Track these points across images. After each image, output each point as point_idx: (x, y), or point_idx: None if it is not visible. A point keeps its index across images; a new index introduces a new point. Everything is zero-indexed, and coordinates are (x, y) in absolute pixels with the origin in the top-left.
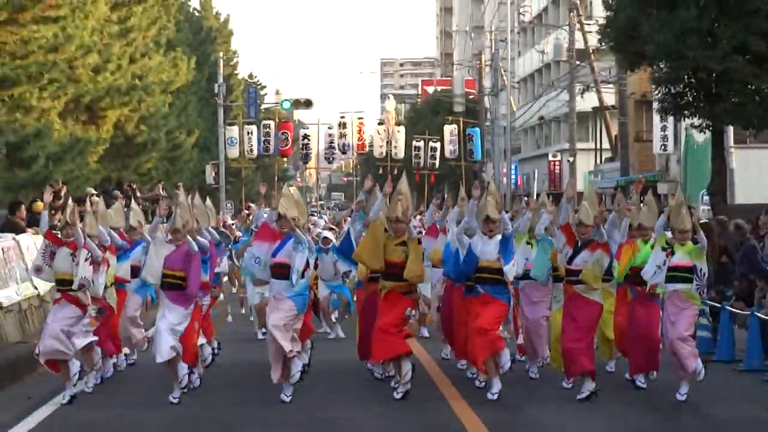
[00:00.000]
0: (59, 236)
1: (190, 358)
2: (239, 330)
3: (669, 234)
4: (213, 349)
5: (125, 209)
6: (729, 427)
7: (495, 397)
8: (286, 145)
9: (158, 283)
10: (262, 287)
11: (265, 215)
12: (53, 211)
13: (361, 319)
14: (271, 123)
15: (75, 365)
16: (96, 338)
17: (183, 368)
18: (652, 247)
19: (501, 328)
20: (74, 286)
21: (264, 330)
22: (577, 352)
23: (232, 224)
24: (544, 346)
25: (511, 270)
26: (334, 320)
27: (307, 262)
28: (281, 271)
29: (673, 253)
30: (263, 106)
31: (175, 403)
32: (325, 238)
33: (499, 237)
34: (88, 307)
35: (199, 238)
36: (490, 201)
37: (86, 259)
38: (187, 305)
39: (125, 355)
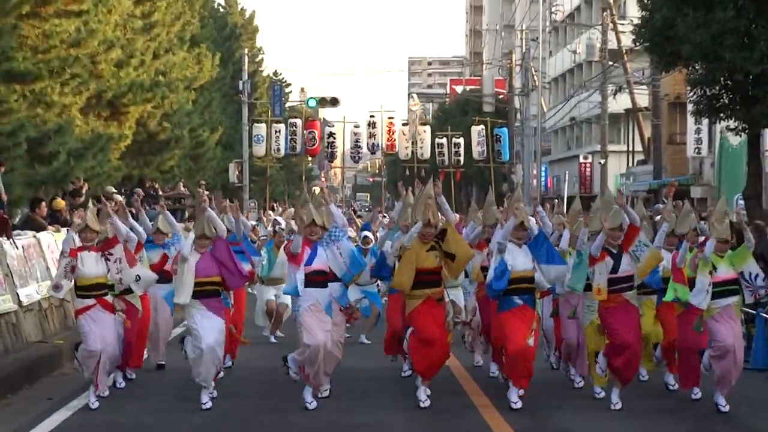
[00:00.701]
0: (80, 242)
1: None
2: (251, 334)
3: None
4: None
5: (150, 209)
6: (739, 425)
7: (518, 405)
8: (313, 145)
9: (187, 301)
10: (275, 287)
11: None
12: (74, 209)
13: (393, 322)
14: (298, 121)
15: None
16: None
17: (206, 395)
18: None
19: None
20: (109, 278)
21: (276, 335)
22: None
23: (256, 224)
24: (582, 359)
25: (547, 274)
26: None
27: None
28: (317, 278)
29: (715, 269)
30: (288, 104)
31: (208, 408)
32: (366, 237)
33: (527, 245)
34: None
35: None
36: (522, 207)
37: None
38: (222, 312)
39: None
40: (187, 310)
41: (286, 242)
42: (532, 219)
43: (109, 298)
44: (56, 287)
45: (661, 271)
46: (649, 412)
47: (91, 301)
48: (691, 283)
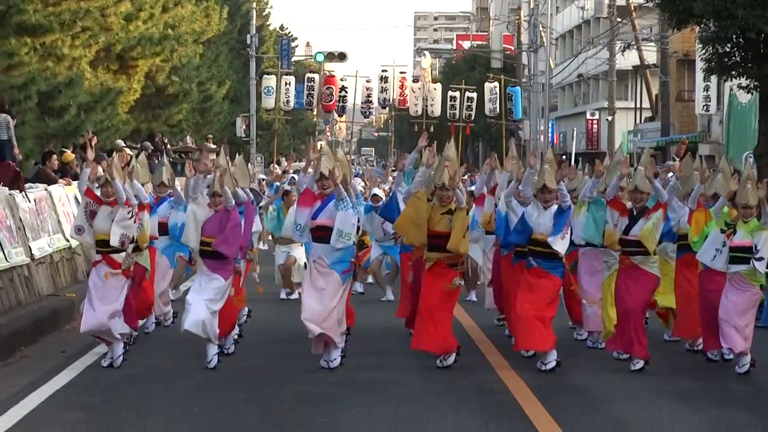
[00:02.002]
0: (99, 194)
1: (229, 326)
2: (268, 290)
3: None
4: (242, 315)
5: (155, 162)
6: None
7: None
8: (330, 101)
9: (197, 248)
10: (287, 246)
11: (306, 181)
12: (84, 162)
13: (408, 285)
14: (316, 76)
15: (119, 347)
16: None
17: (213, 349)
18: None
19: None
20: (112, 243)
21: (288, 291)
22: (630, 331)
23: (263, 179)
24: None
25: (559, 243)
26: (386, 282)
27: (354, 224)
28: (322, 234)
29: (735, 233)
30: (294, 59)
31: (210, 368)
32: (375, 195)
33: (554, 208)
34: (127, 269)
35: (238, 190)
36: (548, 169)
37: (130, 215)
38: (226, 275)
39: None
40: (197, 267)
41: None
42: (563, 186)
43: (118, 257)
44: (78, 229)
45: (675, 227)
46: (665, 370)
47: (98, 257)
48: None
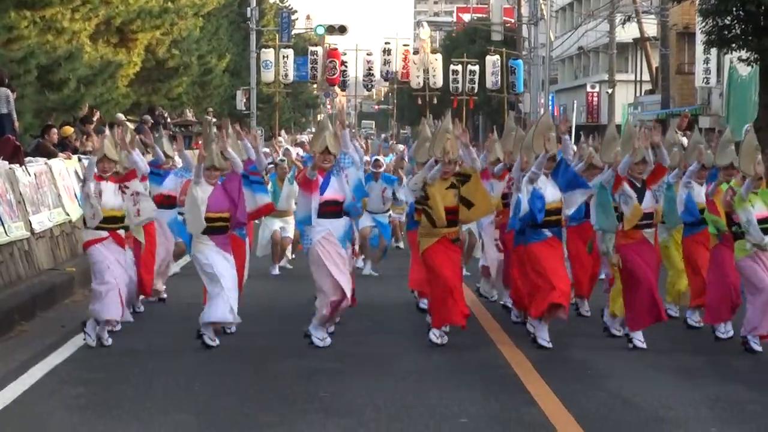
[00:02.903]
0: (97, 172)
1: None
2: (253, 266)
3: None
4: None
5: (156, 135)
6: None
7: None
8: (334, 74)
9: (203, 229)
10: (280, 219)
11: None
12: (84, 136)
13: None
14: (319, 50)
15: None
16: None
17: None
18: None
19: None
20: (135, 222)
21: (280, 265)
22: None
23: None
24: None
25: (580, 198)
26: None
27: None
28: (331, 209)
29: (753, 206)
30: (294, 32)
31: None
32: (377, 160)
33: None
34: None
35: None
36: (553, 138)
37: (147, 190)
38: (230, 249)
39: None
40: (197, 247)
41: (301, 170)
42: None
43: (122, 233)
44: (95, 216)
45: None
46: (665, 346)
47: (104, 234)
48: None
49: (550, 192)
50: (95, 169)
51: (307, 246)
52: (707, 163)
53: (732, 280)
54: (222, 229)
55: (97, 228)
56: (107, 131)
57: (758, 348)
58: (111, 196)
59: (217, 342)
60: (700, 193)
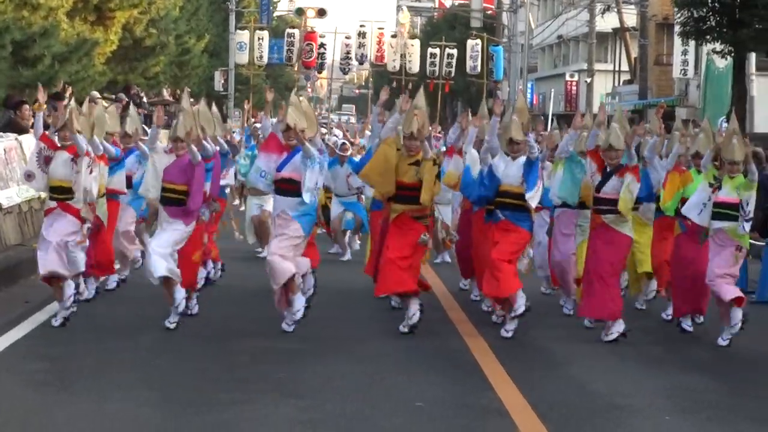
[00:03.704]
0: (56, 140)
1: (189, 282)
2: (239, 248)
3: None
4: (217, 270)
5: (122, 114)
6: (740, 359)
7: (509, 334)
8: (310, 57)
9: (157, 197)
10: (259, 198)
11: (272, 125)
12: (56, 112)
13: (376, 240)
14: (296, 32)
15: (70, 287)
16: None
17: (180, 293)
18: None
19: (520, 260)
20: (77, 197)
21: (259, 250)
22: (601, 292)
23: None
24: (572, 282)
25: (534, 197)
26: (347, 241)
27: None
28: (287, 187)
29: (720, 188)
30: (276, 14)
31: (171, 329)
32: (343, 143)
33: (523, 159)
34: (86, 221)
35: (205, 143)
36: (515, 120)
37: (88, 167)
38: (187, 221)
39: (117, 272)
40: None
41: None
42: (531, 137)
43: (76, 203)
44: (28, 176)
45: (656, 186)
46: (632, 333)
47: (53, 204)
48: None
49: (513, 174)
50: (42, 130)
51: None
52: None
53: (693, 272)
54: (174, 201)
55: (50, 197)
56: (73, 103)
57: (689, 329)
58: (61, 166)
59: (174, 324)
60: (662, 176)
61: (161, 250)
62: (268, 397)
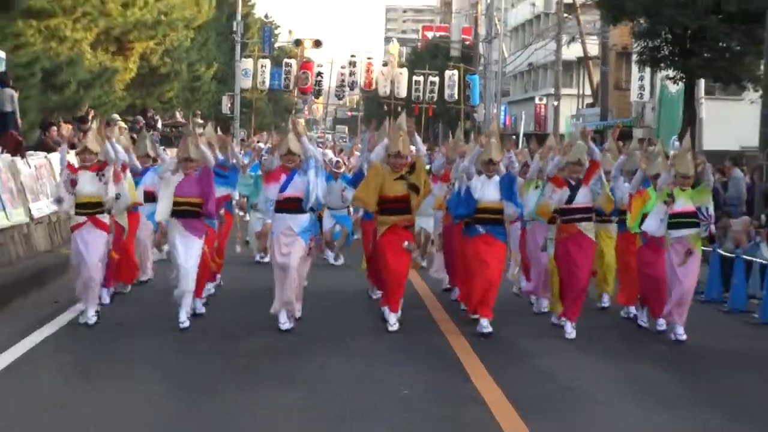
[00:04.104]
0: (77, 164)
1: (198, 292)
2: (242, 255)
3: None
4: (218, 280)
5: (140, 136)
6: (690, 352)
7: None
8: (306, 83)
9: (167, 219)
10: (263, 213)
11: (275, 161)
12: (82, 134)
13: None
14: (293, 62)
15: (92, 311)
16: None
17: (194, 302)
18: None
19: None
20: (107, 207)
21: (262, 254)
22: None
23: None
24: (547, 287)
25: (511, 213)
26: (336, 248)
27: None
28: (290, 205)
29: (674, 201)
30: (277, 45)
31: (185, 327)
32: (338, 161)
33: (496, 178)
34: (110, 231)
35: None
36: (493, 143)
37: (112, 178)
38: (199, 234)
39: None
40: (169, 230)
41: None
42: (512, 154)
43: (103, 217)
44: (58, 200)
45: (619, 202)
46: (589, 330)
47: (82, 219)
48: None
49: (490, 192)
50: (68, 160)
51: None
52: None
53: (654, 275)
54: (187, 213)
55: (78, 213)
56: (92, 125)
57: (645, 324)
58: (87, 183)
59: (187, 324)
60: (624, 193)
61: (190, 265)
62: (269, 387)
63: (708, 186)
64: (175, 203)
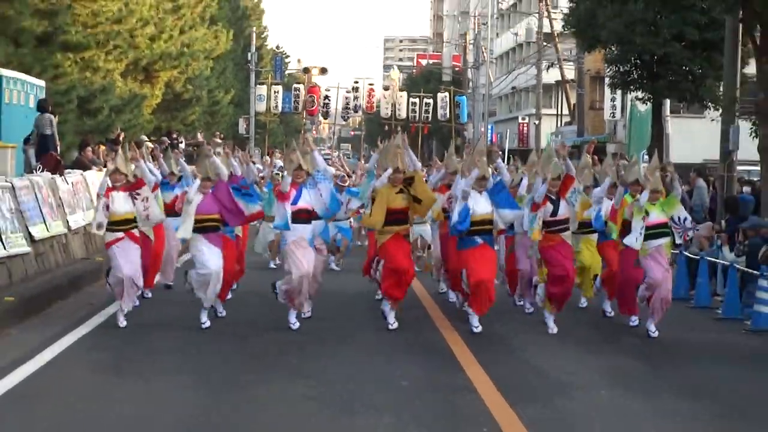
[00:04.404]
0: (110, 184)
1: (223, 291)
2: (258, 261)
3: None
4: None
5: (166, 155)
6: (661, 345)
7: (479, 329)
8: (312, 106)
9: (189, 236)
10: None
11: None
12: (114, 154)
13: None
14: (301, 87)
15: (127, 307)
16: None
17: (218, 304)
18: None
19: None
20: (140, 224)
21: (276, 262)
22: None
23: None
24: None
25: (507, 216)
26: (337, 256)
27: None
28: (302, 216)
29: (648, 214)
30: (287, 72)
31: (207, 327)
32: (343, 176)
33: (486, 192)
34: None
35: (237, 164)
36: (483, 161)
37: (156, 198)
38: (220, 245)
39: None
40: (192, 243)
41: (277, 184)
42: (491, 168)
43: (135, 231)
44: (99, 226)
45: (603, 215)
46: (569, 325)
47: (120, 234)
48: (627, 226)
49: (482, 205)
50: (108, 182)
51: (283, 245)
52: (617, 182)
53: (634, 277)
54: (211, 228)
55: (114, 230)
56: (119, 149)
57: (654, 334)
58: (122, 203)
59: (208, 323)
60: (607, 207)
61: (219, 270)
62: (283, 378)
63: (677, 196)
64: (197, 221)
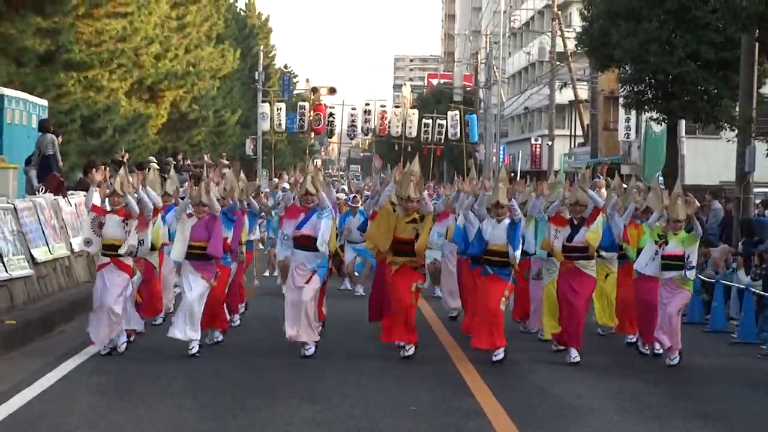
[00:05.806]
0: (106, 207)
1: (221, 323)
2: (265, 285)
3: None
4: (242, 310)
5: (179, 175)
6: (672, 369)
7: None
8: (318, 125)
9: (182, 260)
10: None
11: (290, 197)
12: (110, 178)
13: (374, 286)
14: (306, 105)
15: (123, 336)
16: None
17: (211, 333)
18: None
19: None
20: (121, 251)
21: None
22: (573, 326)
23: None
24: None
25: (517, 256)
26: (357, 278)
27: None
28: (305, 242)
29: (666, 243)
30: (295, 92)
31: (195, 354)
32: (354, 197)
33: (507, 221)
34: (135, 273)
35: (231, 201)
36: (501, 187)
37: (135, 228)
38: (207, 275)
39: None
40: (182, 269)
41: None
42: (515, 202)
43: (126, 260)
44: (87, 242)
45: (617, 238)
46: (592, 355)
47: (106, 260)
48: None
49: (498, 236)
50: (98, 200)
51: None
52: (640, 207)
53: (648, 304)
54: (199, 256)
55: (103, 254)
56: (120, 171)
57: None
58: (113, 227)
59: (196, 350)
60: (621, 229)
61: (192, 298)
62: (290, 402)
63: (697, 236)
64: (189, 246)
